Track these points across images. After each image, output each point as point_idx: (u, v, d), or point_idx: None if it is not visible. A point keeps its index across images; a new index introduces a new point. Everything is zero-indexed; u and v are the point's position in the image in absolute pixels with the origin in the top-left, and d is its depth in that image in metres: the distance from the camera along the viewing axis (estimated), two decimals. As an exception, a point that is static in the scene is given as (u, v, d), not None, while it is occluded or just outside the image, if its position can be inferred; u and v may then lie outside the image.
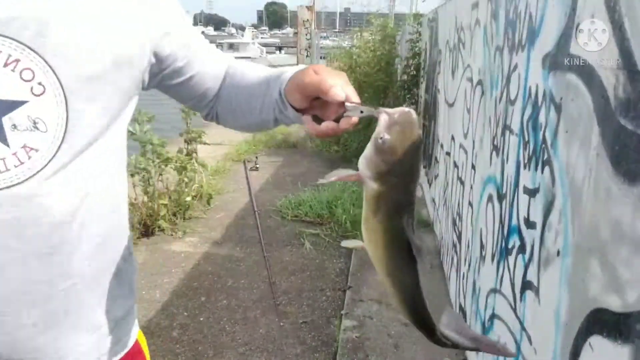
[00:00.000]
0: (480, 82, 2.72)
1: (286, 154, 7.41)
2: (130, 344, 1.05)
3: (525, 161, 1.81)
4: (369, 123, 6.73)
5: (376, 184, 0.76)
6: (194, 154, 5.01)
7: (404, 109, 0.72)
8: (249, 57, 37.21)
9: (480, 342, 0.83)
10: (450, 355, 2.75)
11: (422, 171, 5.88)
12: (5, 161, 0.74)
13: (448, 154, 3.83)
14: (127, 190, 1.00)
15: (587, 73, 1.31)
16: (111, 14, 0.84)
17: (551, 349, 1.46)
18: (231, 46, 38.07)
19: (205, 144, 5.30)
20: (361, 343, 2.85)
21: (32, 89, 0.75)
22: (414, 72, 6.82)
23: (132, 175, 4.25)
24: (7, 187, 0.75)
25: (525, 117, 1.83)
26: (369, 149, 0.74)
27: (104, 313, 0.93)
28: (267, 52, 38.24)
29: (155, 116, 4.29)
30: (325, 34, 31.48)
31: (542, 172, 1.62)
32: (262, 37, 61.97)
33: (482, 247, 2.47)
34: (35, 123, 0.76)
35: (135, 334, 1.09)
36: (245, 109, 1.03)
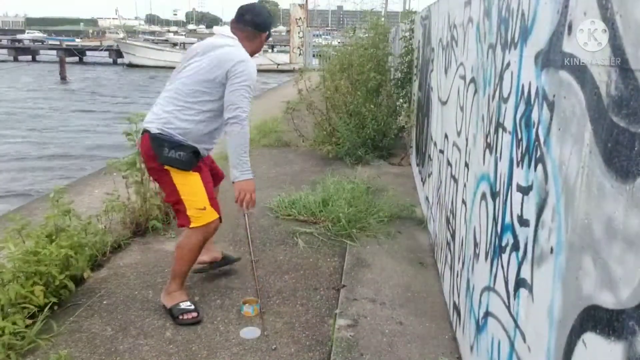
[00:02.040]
0: (473, 80, 2.72)
1: (279, 153, 7.40)
2: None
3: (519, 159, 1.81)
4: (362, 125, 6.76)
5: None
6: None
7: None
8: None
9: None
10: (445, 354, 2.76)
11: (416, 169, 5.89)
12: None
13: (441, 152, 3.84)
14: None
15: (579, 71, 1.31)
16: None
17: (545, 346, 1.47)
18: None
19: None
20: (355, 342, 2.85)
21: None
22: (407, 70, 6.83)
23: (124, 177, 4.23)
24: None
25: (518, 115, 1.84)
26: None
27: None
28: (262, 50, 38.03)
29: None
30: (318, 32, 31.48)
31: (535, 169, 1.62)
32: (254, 36, 61.74)
33: (475, 245, 2.47)
34: None
35: None
36: None
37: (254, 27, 3.10)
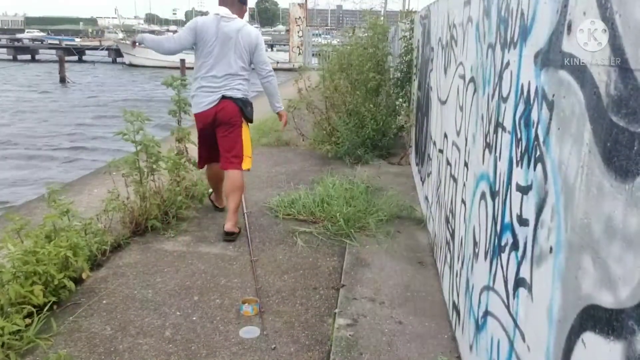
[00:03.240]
0: (472, 80, 2.72)
1: (279, 152, 7.40)
2: None
3: (518, 158, 1.81)
4: (362, 125, 6.76)
5: None
6: (185, 153, 4.99)
7: None
8: None
9: None
10: (445, 353, 2.76)
11: (415, 169, 5.89)
12: None
13: (441, 151, 3.84)
14: None
15: (579, 70, 1.31)
16: None
17: (544, 345, 1.47)
18: None
19: (194, 144, 5.29)
20: (355, 341, 2.85)
21: None
22: (406, 70, 6.82)
23: (123, 176, 4.23)
24: None
25: (518, 115, 1.84)
26: None
27: None
28: None
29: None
30: (317, 31, 31.44)
31: (535, 169, 1.62)
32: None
33: (475, 244, 2.47)
34: None
35: None
36: None
37: (240, 1, 4.25)
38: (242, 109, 4.18)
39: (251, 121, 4.31)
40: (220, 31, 4.05)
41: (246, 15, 4.57)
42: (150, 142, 4.24)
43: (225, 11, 4.12)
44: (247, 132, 4.30)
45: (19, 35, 61.65)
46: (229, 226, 4.21)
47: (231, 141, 4.24)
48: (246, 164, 4.28)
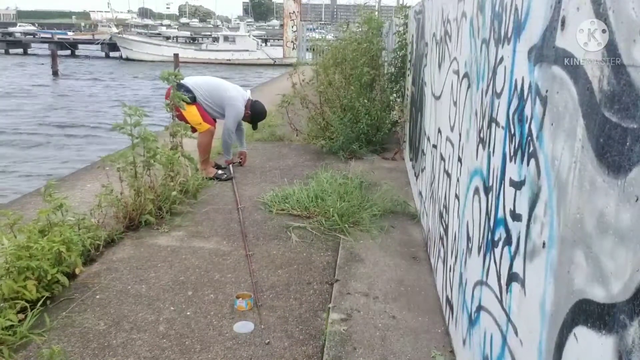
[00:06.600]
0: (466, 75, 2.72)
1: (273, 147, 7.39)
2: None
3: (511, 154, 1.81)
4: (356, 120, 6.76)
5: None
6: (180, 148, 4.97)
7: None
8: (247, 50, 36.63)
9: None
10: (438, 347, 2.77)
11: (409, 164, 5.90)
12: None
13: (435, 146, 3.84)
14: None
15: (572, 66, 1.31)
16: None
17: (537, 340, 1.48)
18: (226, 39, 37.59)
19: (191, 137, 5.28)
20: (349, 336, 2.86)
21: None
22: (401, 65, 6.82)
23: (118, 170, 4.21)
24: None
25: (511, 110, 1.84)
26: None
27: None
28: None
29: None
30: (311, 26, 31.36)
31: (528, 164, 1.63)
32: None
33: (468, 239, 2.48)
34: None
35: None
36: None
37: (250, 109, 6.12)
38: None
39: (188, 102, 5.29)
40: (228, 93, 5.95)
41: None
42: (150, 136, 4.22)
43: (244, 94, 6.13)
44: (189, 110, 5.40)
45: (10, 29, 61.05)
46: (204, 174, 5.59)
47: (181, 118, 5.44)
48: (200, 129, 5.70)
